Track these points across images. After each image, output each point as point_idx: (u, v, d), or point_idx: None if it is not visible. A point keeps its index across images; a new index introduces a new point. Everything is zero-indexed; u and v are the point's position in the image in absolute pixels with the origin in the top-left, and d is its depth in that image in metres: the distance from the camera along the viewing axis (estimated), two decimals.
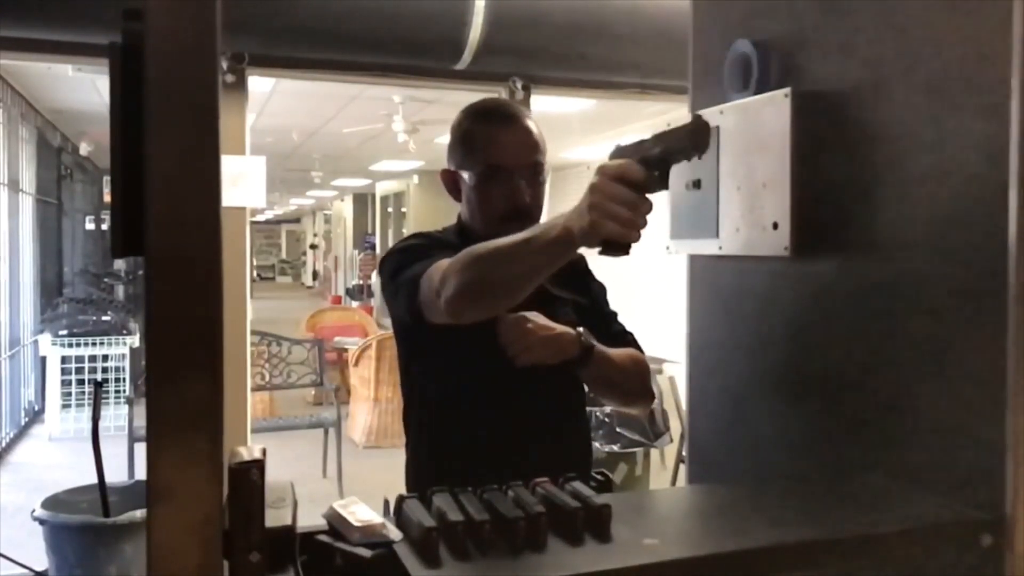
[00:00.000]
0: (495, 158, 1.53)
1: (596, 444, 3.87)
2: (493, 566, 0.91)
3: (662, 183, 1.10)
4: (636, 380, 1.64)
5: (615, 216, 1.04)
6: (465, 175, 1.57)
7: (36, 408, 7.22)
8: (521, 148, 1.54)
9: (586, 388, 1.65)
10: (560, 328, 1.47)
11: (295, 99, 6.74)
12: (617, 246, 1.08)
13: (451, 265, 1.28)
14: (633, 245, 1.08)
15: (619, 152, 1.19)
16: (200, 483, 0.72)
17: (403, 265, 1.44)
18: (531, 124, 1.57)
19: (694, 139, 1.09)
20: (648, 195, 1.08)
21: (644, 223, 1.06)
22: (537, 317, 1.45)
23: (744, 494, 1.27)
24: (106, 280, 8.81)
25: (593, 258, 1.29)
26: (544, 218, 1.59)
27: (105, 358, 6.61)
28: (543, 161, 1.57)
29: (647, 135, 1.17)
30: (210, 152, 0.73)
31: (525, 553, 0.93)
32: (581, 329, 1.51)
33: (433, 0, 3.24)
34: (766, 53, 1.46)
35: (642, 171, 1.08)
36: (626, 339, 1.68)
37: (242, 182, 3.75)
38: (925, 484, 1.16)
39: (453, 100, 5.51)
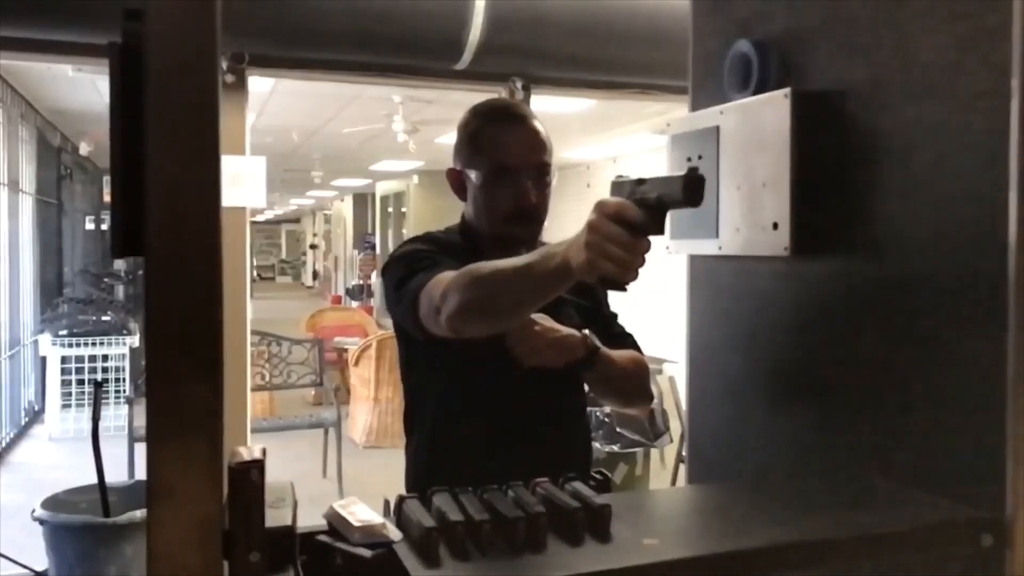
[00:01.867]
0: (502, 158, 1.53)
1: (596, 444, 3.87)
2: (493, 566, 0.91)
3: (659, 227, 1.11)
4: (637, 382, 1.64)
5: (611, 257, 1.05)
6: (472, 174, 1.56)
7: (36, 408, 7.22)
8: (528, 149, 1.54)
9: (586, 389, 1.65)
10: (566, 330, 1.48)
11: (295, 99, 6.74)
12: (614, 283, 1.09)
13: (451, 283, 1.28)
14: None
15: (617, 187, 1.19)
16: (200, 483, 0.72)
17: (406, 275, 1.44)
18: (538, 125, 1.57)
19: (687, 193, 1.09)
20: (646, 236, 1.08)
21: (642, 262, 1.07)
22: (544, 319, 1.45)
23: (744, 494, 1.27)
24: (106, 280, 8.80)
25: None
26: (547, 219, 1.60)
27: (105, 358, 6.61)
28: (550, 162, 1.57)
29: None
30: (210, 152, 0.73)
31: (525, 553, 0.93)
32: (587, 331, 1.51)
33: (433, 0, 3.24)
34: (766, 53, 1.46)
35: (639, 213, 1.08)
36: (626, 341, 1.68)
37: (242, 182, 3.75)
38: (925, 484, 1.16)
39: (453, 100, 5.53)
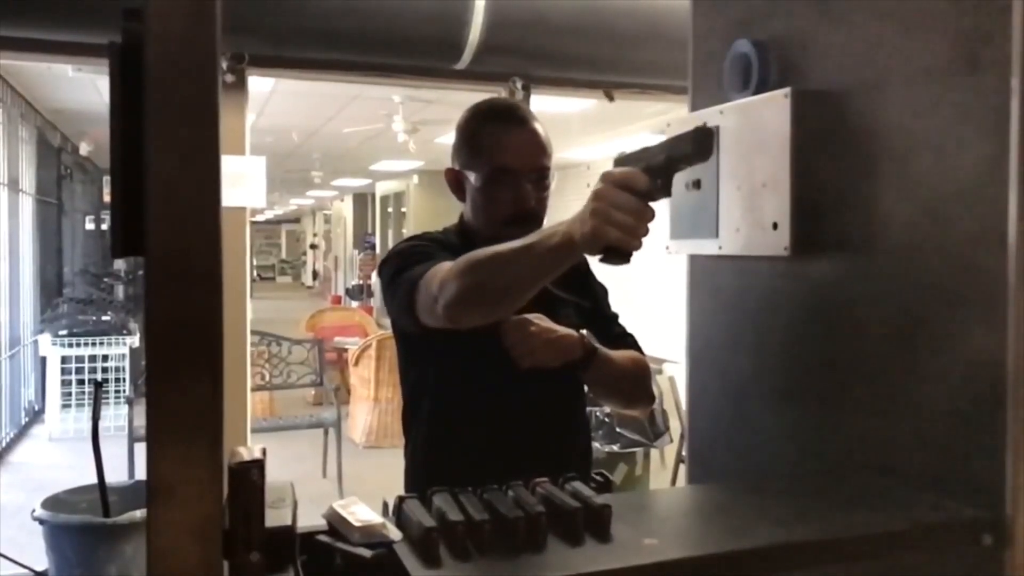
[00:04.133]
0: (502, 160, 1.52)
1: (596, 444, 3.87)
2: (493, 566, 0.91)
3: (665, 191, 1.11)
4: (637, 382, 1.64)
5: (618, 223, 1.04)
6: (471, 176, 1.56)
7: (36, 408, 7.22)
8: (529, 151, 1.54)
9: (586, 389, 1.65)
10: (564, 330, 1.47)
11: (295, 99, 6.74)
12: (618, 254, 1.08)
13: (450, 270, 1.27)
14: (634, 253, 1.08)
15: (623, 159, 1.19)
16: (200, 483, 0.72)
17: (402, 268, 1.44)
18: (539, 127, 1.56)
19: (697, 145, 1.10)
20: (651, 203, 1.08)
21: (647, 231, 1.06)
22: (541, 319, 1.45)
23: (744, 494, 1.27)
24: (106, 280, 8.80)
25: (594, 260, 1.29)
26: (546, 220, 1.59)
27: (105, 358, 6.61)
28: (549, 165, 1.56)
29: (650, 142, 1.17)
30: (210, 152, 0.73)
31: (525, 553, 0.93)
32: (584, 331, 1.51)
33: (433, 0, 3.24)
34: (766, 53, 1.46)
35: (646, 179, 1.07)
36: (627, 341, 1.68)
37: (242, 182, 3.75)
38: (925, 484, 1.16)
39: (453, 100, 5.52)
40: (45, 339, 6.62)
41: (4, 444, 6.11)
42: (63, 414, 6.52)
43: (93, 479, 1.87)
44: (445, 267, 1.30)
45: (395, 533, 0.95)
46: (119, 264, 8.89)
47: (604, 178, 1.08)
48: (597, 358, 1.51)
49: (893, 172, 1.24)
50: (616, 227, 1.04)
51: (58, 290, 8.33)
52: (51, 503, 1.98)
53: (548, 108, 5.79)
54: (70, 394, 6.55)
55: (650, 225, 1.07)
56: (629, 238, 1.05)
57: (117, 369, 6.66)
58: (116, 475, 3.19)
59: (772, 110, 1.40)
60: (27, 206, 7.10)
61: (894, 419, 1.22)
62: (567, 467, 1.18)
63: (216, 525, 0.74)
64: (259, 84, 5.16)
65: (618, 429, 4.06)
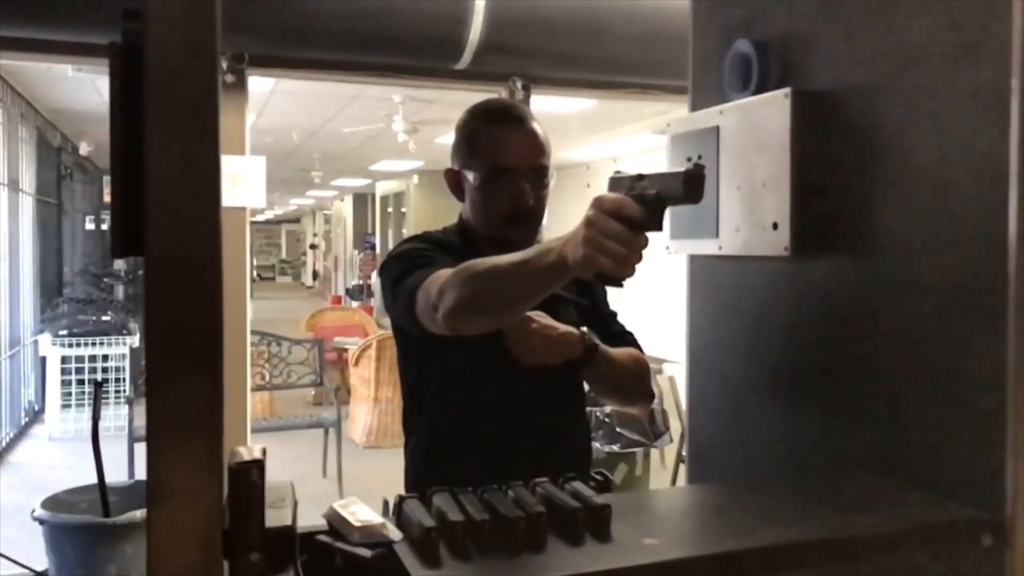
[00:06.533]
0: (501, 160, 1.53)
1: (596, 444, 3.87)
2: (493, 566, 0.91)
3: (657, 223, 1.11)
4: (637, 380, 1.64)
5: (609, 252, 1.05)
6: (470, 175, 1.56)
7: (36, 408, 7.22)
8: (527, 150, 1.54)
9: (586, 388, 1.65)
10: (564, 328, 1.48)
11: (295, 99, 6.74)
12: (611, 279, 1.10)
13: (448, 280, 1.28)
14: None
15: (618, 181, 1.20)
16: (200, 483, 0.72)
17: (403, 273, 1.45)
18: (536, 127, 1.57)
19: (687, 189, 1.10)
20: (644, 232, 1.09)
21: (639, 259, 1.07)
22: (542, 317, 1.45)
23: (744, 494, 1.27)
24: (106, 280, 8.80)
25: None
26: (545, 220, 1.60)
27: (105, 358, 6.61)
28: (548, 164, 1.57)
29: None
30: (210, 152, 0.73)
31: (525, 553, 0.93)
32: (585, 329, 1.51)
33: (433, 0, 3.24)
34: (766, 53, 1.46)
35: (638, 209, 1.08)
36: (626, 339, 1.68)
37: (242, 182, 3.75)
38: (925, 484, 1.16)
39: (453, 100, 5.52)
40: (45, 339, 6.62)
41: (4, 444, 6.11)
42: (63, 414, 6.52)
43: (93, 479, 1.87)
44: (444, 275, 1.31)
45: (395, 533, 0.95)
46: (119, 264, 8.89)
47: (596, 205, 1.08)
48: (598, 356, 1.51)
49: (893, 172, 1.24)
50: (607, 256, 1.05)
51: (58, 290, 8.33)
52: (51, 503, 1.98)
53: (548, 108, 5.79)
54: (70, 394, 6.55)
55: (643, 252, 1.07)
56: (620, 267, 1.06)
57: (117, 369, 6.66)
58: (116, 475, 3.19)
59: (772, 110, 1.40)
60: (27, 206, 7.10)
61: (894, 419, 1.22)
62: (567, 467, 1.18)
63: (216, 525, 0.74)
64: (259, 84, 5.16)
65: (618, 429, 4.05)
